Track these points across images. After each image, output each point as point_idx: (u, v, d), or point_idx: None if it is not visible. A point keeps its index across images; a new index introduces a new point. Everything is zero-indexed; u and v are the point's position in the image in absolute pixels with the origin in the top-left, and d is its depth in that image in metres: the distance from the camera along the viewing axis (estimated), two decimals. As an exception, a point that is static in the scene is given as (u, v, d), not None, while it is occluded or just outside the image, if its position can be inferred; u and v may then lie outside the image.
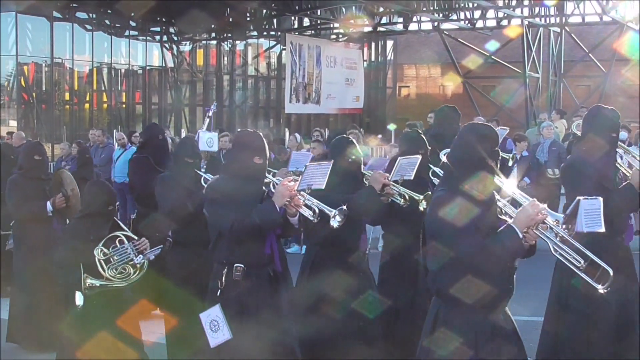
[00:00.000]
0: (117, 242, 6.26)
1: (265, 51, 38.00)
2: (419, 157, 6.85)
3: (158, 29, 34.05)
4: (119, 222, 6.57)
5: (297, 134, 16.27)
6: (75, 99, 31.19)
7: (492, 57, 34.50)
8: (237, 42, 36.38)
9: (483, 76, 36.13)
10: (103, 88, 32.17)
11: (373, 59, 39.89)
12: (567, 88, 34.52)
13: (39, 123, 28.25)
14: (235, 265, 5.56)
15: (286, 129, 28.86)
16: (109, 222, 6.46)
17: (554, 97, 33.65)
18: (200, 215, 6.54)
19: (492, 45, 34.41)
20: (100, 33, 31.03)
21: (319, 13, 34.29)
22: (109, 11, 29.67)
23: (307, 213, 5.45)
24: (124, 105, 33.27)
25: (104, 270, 6.14)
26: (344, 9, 33.83)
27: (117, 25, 31.28)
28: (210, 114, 10.09)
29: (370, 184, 6.48)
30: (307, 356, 6.12)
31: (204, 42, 36.17)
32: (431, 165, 7.15)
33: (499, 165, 4.73)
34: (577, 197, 4.85)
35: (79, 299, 6.21)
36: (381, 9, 33.93)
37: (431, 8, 32.23)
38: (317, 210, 5.41)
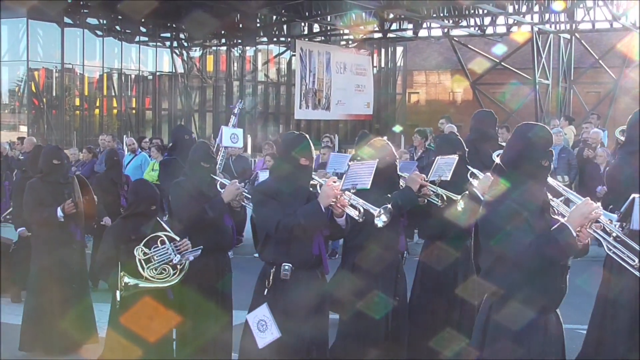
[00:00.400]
0: (158, 242, 6.27)
1: (275, 57, 38.07)
2: (457, 157, 6.81)
3: (168, 34, 34.16)
4: (162, 222, 6.58)
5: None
6: (85, 104, 31.30)
7: (502, 63, 34.44)
8: (247, 48, 36.48)
9: (493, 82, 36.09)
10: (113, 93, 32.26)
11: (383, 65, 39.89)
12: (577, 94, 34.43)
13: (49, 128, 28.34)
14: (283, 264, 5.57)
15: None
16: (151, 222, 6.49)
17: (564, 103, 33.57)
18: (216, 220, 6.67)
19: (500, 49, 34.35)
20: (111, 39, 31.16)
21: (328, 19, 34.31)
22: (120, 17, 29.75)
23: (352, 213, 5.44)
24: (134, 111, 33.37)
25: (143, 270, 6.16)
26: (353, 15, 33.83)
27: (127, 31, 31.40)
28: (236, 110, 9.78)
29: (407, 185, 6.48)
30: (342, 356, 6.26)
31: (214, 48, 36.26)
32: (470, 167, 7.00)
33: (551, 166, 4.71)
34: (632, 195, 4.84)
35: (118, 297, 6.21)
36: (391, 15, 33.92)
37: (441, 14, 32.24)
38: (362, 210, 5.40)
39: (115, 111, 32.67)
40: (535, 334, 4.52)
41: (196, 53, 35.82)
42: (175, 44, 34.60)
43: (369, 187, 5.65)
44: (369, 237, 6.17)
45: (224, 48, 36.21)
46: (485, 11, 31.21)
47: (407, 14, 31.06)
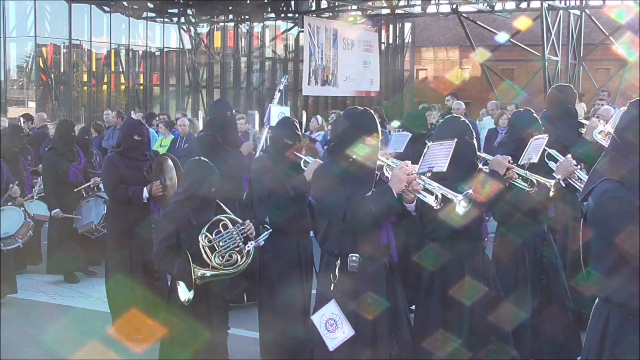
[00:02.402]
0: (220, 226, 5.81)
1: (283, 33, 37.92)
2: (546, 136, 6.40)
3: (176, 10, 34.02)
4: (222, 204, 6.07)
5: (318, 116, 16.17)
6: (93, 80, 31.25)
7: (511, 40, 34.26)
8: (255, 24, 36.34)
9: (501, 59, 35.92)
10: (121, 69, 32.20)
11: (391, 41, 39.74)
12: (586, 71, 34.28)
13: (57, 104, 28.34)
14: (350, 255, 5.09)
15: (303, 111, 28.83)
16: (212, 206, 5.98)
17: (574, 80, 33.41)
18: (299, 201, 6.35)
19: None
20: (118, 15, 31.04)
21: (337, -5, 34.17)
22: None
23: (428, 199, 4.89)
24: (141, 87, 33.31)
25: (209, 259, 5.70)
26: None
27: (134, 6, 31.27)
28: (282, 87, 9.50)
29: (492, 168, 5.96)
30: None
31: (222, 24, 36.11)
32: (547, 148, 6.56)
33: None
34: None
35: (183, 293, 5.75)
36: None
37: (450, -10, 32.06)
38: (439, 196, 4.84)
39: (123, 87, 32.63)
40: None
41: (204, 29, 35.68)
42: (182, 20, 34.47)
43: (445, 170, 5.18)
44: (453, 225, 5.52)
45: (232, 24, 36.07)
46: (495, -13, 31.05)
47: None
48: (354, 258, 5.07)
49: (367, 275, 5.12)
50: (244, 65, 36.63)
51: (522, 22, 32.75)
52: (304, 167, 6.49)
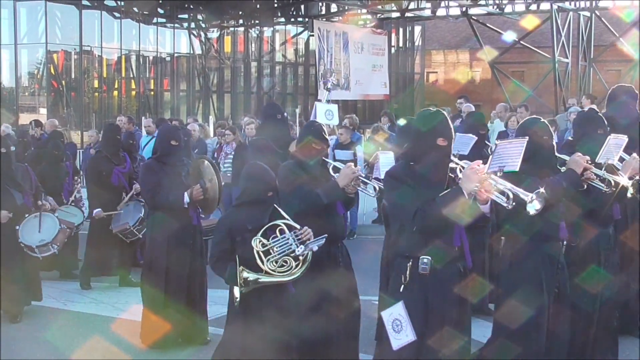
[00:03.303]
0: (277, 231, 5.67)
1: (293, 37, 37.99)
2: (626, 138, 6.16)
3: (186, 16, 34.14)
4: (280, 209, 5.88)
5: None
6: (104, 86, 31.39)
7: (521, 42, 34.22)
8: (265, 28, 36.43)
9: (512, 61, 35.88)
10: (131, 75, 32.35)
11: (401, 44, 39.75)
12: (597, 73, 34.19)
13: (68, 110, 28.49)
14: (421, 257, 5.00)
15: (314, 116, 28.83)
16: (268, 210, 5.80)
17: (584, 82, 33.35)
18: (330, 208, 6.16)
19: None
20: (129, 20, 31.20)
21: (346, -1, 34.24)
22: (138, -1, 29.83)
23: (499, 199, 4.79)
24: (152, 92, 33.45)
25: (262, 263, 5.57)
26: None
27: (145, 12, 31.39)
28: (329, 85, 9.13)
29: (569, 167, 5.79)
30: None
31: (232, 29, 36.22)
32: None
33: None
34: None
35: (237, 293, 5.61)
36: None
37: (459, -7, 32.06)
38: (511, 195, 4.72)
39: (133, 93, 32.78)
40: None
41: (214, 34, 35.79)
42: (193, 25, 34.60)
43: (517, 169, 4.95)
44: (526, 225, 5.50)
45: (242, 29, 36.18)
46: (504, -11, 31.04)
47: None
48: (425, 260, 5.00)
49: (437, 278, 5.02)
50: (254, 69, 36.71)
51: (529, 21, 32.70)
52: (331, 173, 6.34)
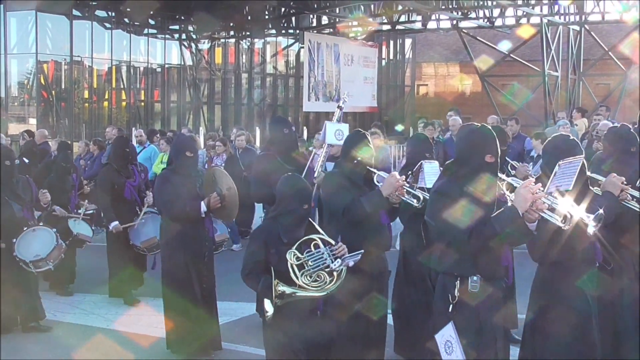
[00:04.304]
0: (312, 246, 5.62)
1: (284, 49, 38.04)
2: None
3: (177, 27, 34.15)
4: (314, 223, 5.85)
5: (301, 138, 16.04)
6: (94, 96, 31.31)
7: (511, 55, 34.37)
8: (256, 40, 36.45)
9: (501, 74, 36.03)
10: (122, 86, 32.29)
11: (391, 57, 39.86)
12: (586, 86, 34.34)
13: (58, 121, 28.39)
14: (471, 276, 4.96)
15: (304, 128, 28.87)
16: (304, 223, 5.75)
17: (573, 95, 33.50)
18: (374, 218, 6.13)
19: (505, 45, 34.27)
20: (120, 31, 31.17)
21: (337, 11, 34.27)
22: (128, 9, 29.77)
23: (553, 218, 4.65)
24: (142, 103, 33.39)
25: (296, 277, 5.50)
26: (362, 7, 33.78)
27: (136, 23, 31.37)
28: (342, 103, 8.99)
29: (606, 190, 5.72)
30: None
31: (223, 40, 36.23)
32: None
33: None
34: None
35: (268, 306, 5.56)
36: (400, 8, 33.86)
37: (450, 6, 32.15)
38: (568, 216, 4.57)
39: (124, 104, 32.70)
40: None
41: (205, 45, 35.79)
42: (183, 36, 34.59)
43: (571, 188, 4.88)
44: (563, 248, 5.34)
45: (233, 40, 36.20)
46: (494, 3, 31.17)
47: (415, 5, 31.00)
48: (475, 279, 4.95)
49: (486, 297, 4.98)
50: (245, 81, 36.72)
51: (525, 31, 32.81)
52: (376, 182, 6.28)
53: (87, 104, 31.02)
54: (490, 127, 5.15)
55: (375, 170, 6.32)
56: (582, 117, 17.65)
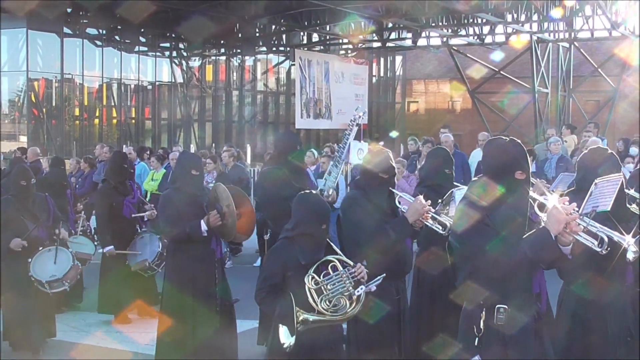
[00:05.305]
0: (329, 268, 5.30)
1: (274, 66, 38.11)
2: None
3: (167, 44, 34.19)
4: (332, 244, 5.54)
5: (313, 150, 16.06)
6: (85, 114, 31.31)
7: (501, 72, 34.50)
8: (247, 57, 36.51)
9: (492, 91, 36.14)
10: (113, 103, 32.29)
11: (382, 74, 39.96)
12: (576, 103, 34.48)
13: (49, 138, 28.34)
14: (498, 306, 4.51)
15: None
16: (323, 244, 5.43)
17: (563, 112, 33.62)
18: (398, 244, 5.91)
19: (498, 55, 34.37)
20: (110, 49, 31.19)
21: (327, 29, 34.37)
22: (119, 27, 29.80)
23: (589, 242, 4.32)
24: (133, 121, 33.38)
25: (315, 303, 5.16)
26: (352, 25, 33.88)
27: (126, 41, 31.40)
28: (360, 121, 8.74)
29: None
30: None
31: (213, 57, 36.28)
32: None
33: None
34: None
35: (284, 336, 5.13)
36: (390, 25, 33.98)
37: (440, 23, 32.27)
38: (605, 239, 4.26)
39: (115, 121, 32.69)
40: None
41: (195, 63, 35.83)
42: (174, 53, 34.63)
43: (609, 208, 4.60)
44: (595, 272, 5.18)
45: (223, 58, 36.24)
46: (484, 20, 31.26)
47: (406, 23, 31.11)
48: (501, 310, 4.50)
49: (515, 329, 4.53)
50: (235, 98, 36.75)
51: (519, 42, 32.89)
52: (397, 203, 6.06)
53: (77, 122, 31.00)
54: (519, 141, 4.72)
55: (397, 192, 6.10)
56: (572, 134, 17.72)
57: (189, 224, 7.16)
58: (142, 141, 31.19)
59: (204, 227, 7.14)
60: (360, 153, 7.99)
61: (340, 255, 5.42)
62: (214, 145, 31.86)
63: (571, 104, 34.31)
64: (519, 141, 4.67)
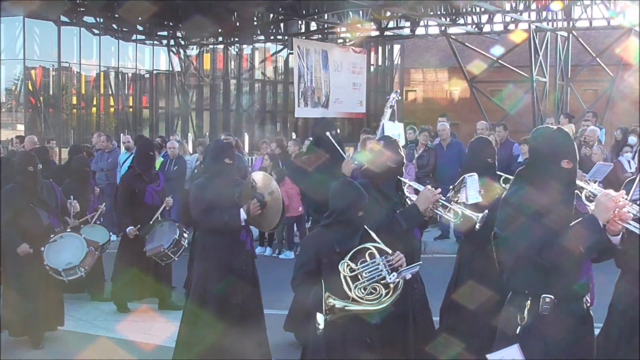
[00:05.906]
0: (366, 255, 5.25)
1: (272, 55, 38.01)
2: None
3: (165, 33, 34.09)
4: (370, 231, 5.47)
5: (296, 139, 15.90)
6: (82, 103, 31.23)
7: (499, 61, 34.45)
8: (244, 46, 36.40)
9: (490, 80, 36.09)
10: (110, 92, 32.22)
11: (380, 63, 39.88)
12: (574, 92, 34.44)
13: (46, 127, 28.27)
14: (543, 296, 4.43)
15: (293, 133, 28.87)
16: (359, 232, 5.39)
17: (561, 101, 33.57)
18: (408, 234, 5.85)
19: (498, 50, 34.38)
20: (108, 37, 31.10)
21: (326, 17, 34.28)
22: (116, 16, 29.72)
23: (639, 230, 4.23)
24: (131, 109, 33.30)
25: (349, 290, 5.12)
26: (350, 14, 33.80)
27: (124, 29, 31.33)
28: (393, 102, 8.66)
29: None
30: None
31: (211, 46, 36.19)
32: None
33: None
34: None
35: (320, 321, 5.10)
36: (388, 14, 33.89)
37: (438, 12, 32.19)
38: None
39: (112, 110, 32.64)
40: None
41: (193, 51, 35.75)
42: (172, 42, 34.53)
43: None
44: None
45: (221, 46, 36.15)
46: (483, 9, 31.17)
47: (404, 12, 31.04)
48: (547, 300, 4.43)
49: (560, 320, 4.47)
50: (233, 87, 36.66)
51: (517, 35, 32.85)
52: (406, 192, 6.06)
53: (75, 110, 30.92)
54: (567, 130, 4.69)
55: (406, 181, 6.08)
56: (569, 123, 17.71)
57: (228, 213, 6.99)
58: (140, 130, 31.14)
59: (243, 215, 6.99)
60: (395, 130, 7.72)
61: (379, 242, 5.35)
62: (207, 134, 31.81)
63: (569, 93, 34.26)
64: (567, 130, 4.61)
